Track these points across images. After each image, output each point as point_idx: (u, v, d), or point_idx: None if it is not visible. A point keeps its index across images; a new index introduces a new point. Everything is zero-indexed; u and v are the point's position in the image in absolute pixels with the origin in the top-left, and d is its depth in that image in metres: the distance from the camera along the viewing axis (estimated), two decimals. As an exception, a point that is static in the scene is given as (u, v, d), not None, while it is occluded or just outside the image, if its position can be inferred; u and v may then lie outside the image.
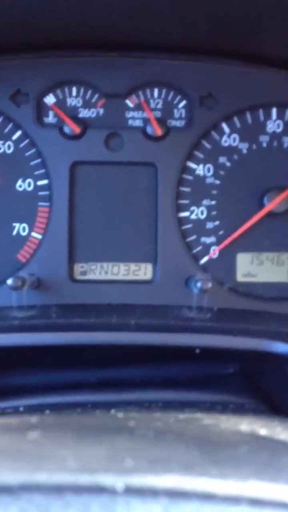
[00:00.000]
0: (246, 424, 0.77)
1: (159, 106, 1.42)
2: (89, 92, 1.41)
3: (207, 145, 1.41)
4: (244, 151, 1.41)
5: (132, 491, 0.47)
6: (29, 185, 1.39)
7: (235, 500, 0.45)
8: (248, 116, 1.42)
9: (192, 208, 1.40)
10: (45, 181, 1.38)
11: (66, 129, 1.38)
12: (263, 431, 0.73)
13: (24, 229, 1.38)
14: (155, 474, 0.49)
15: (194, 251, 1.39)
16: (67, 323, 1.19)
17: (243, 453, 0.59)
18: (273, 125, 1.42)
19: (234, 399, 1.07)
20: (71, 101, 1.41)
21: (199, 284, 1.26)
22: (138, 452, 0.57)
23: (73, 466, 0.54)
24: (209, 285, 1.25)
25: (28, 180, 1.39)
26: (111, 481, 0.49)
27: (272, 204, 1.36)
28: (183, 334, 1.14)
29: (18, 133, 1.39)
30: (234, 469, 0.51)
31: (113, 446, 0.59)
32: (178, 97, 1.42)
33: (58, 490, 0.49)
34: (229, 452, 0.59)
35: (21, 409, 1.04)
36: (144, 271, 1.39)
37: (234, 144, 1.42)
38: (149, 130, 1.39)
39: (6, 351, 1.19)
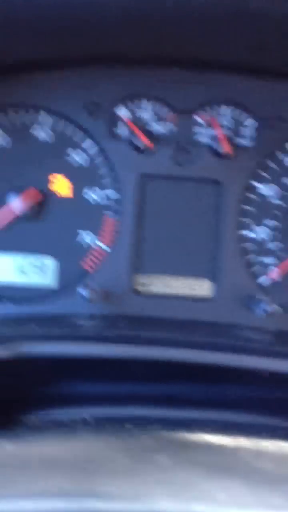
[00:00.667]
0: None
1: (228, 124, 1.44)
2: (161, 107, 1.43)
3: (273, 165, 1.43)
4: None
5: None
6: (99, 196, 1.41)
7: None
8: None
9: (254, 227, 1.43)
10: (114, 193, 1.41)
11: (137, 142, 1.40)
12: None
13: (91, 239, 1.41)
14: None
15: (254, 270, 1.42)
16: (136, 335, 1.22)
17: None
18: None
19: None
20: (142, 115, 1.42)
21: (263, 306, 1.29)
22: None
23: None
24: (274, 307, 1.28)
25: (96, 189, 1.41)
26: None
27: None
28: (247, 356, 1.17)
29: (89, 142, 1.41)
30: None
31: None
32: (247, 117, 1.43)
33: None
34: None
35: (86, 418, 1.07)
36: (202, 287, 1.42)
37: None
38: (217, 147, 1.41)
39: (68, 360, 1.22)
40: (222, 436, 0.84)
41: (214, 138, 1.42)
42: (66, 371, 1.24)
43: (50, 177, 1.41)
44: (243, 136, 1.44)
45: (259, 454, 0.77)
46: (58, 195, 1.41)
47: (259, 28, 1.19)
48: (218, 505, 0.57)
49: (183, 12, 1.14)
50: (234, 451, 0.74)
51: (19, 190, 1.38)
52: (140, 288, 1.41)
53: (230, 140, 1.42)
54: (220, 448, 0.76)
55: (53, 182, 1.41)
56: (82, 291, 1.27)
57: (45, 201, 1.40)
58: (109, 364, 1.21)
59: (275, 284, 1.41)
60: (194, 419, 1.14)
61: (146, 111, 1.43)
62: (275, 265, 1.42)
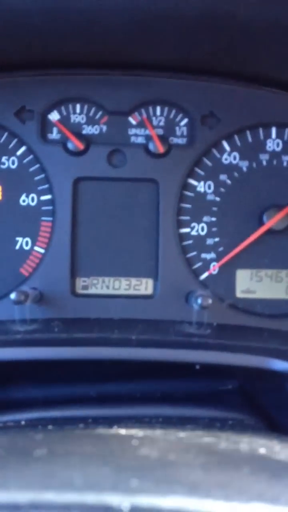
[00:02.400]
0: (245, 443, 0.78)
1: (161, 123, 1.44)
2: (93, 109, 1.43)
3: (208, 163, 1.44)
4: (244, 169, 1.44)
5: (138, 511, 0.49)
6: (32, 200, 1.41)
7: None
8: (248, 135, 1.44)
9: (193, 224, 1.43)
10: (48, 196, 1.40)
11: (70, 145, 1.40)
12: (262, 451, 0.75)
13: (27, 243, 1.40)
14: (160, 495, 0.51)
15: (194, 267, 1.41)
16: (69, 337, 1.21)
17: (245, 475, 0.60)
18: (273, 144, 1.44)
19: (232, 416, 1.08)
20: (75, 118, 1.43)
21: (199, 300, 1.28)
22: (142, 472, 0.59)
23: (80, 485, 0.55)
24: (209, 301, 1.27)
25: (32, 195, 1.41)
26: (118, 501, 0.51)
27: (271, 222, 1.39)
28: (183, 350, 1.16)
29: (23, 148, 1.41)
30: (237, 491, 0.53)
31: (119, 466, 0.61)
32: (180, 115, 1.44)
33: (66, 509, 0.50)
34: (231, 473, 0.60)
35: (22, 422, 1.05)
36: (145, 286, 1.41)
37: (235, 162, 1.44)
38: (151, 147, 1.42)
39: (8, 365, 1.20)
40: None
41: (149, 138, 1.43)
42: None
43: (-15, 186, 1.41)
44: (177, 135, 1.45)
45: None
46: (-6, 203, 1.40)
47: (188, 27, 1.21)
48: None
49: (121, 16, 1.16)
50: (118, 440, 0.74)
51: None
52: (79, 290, 1.40)
53: (164, 139, 1.43)
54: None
55: (-13, 190, 1.40)
56: (12, 295, 1.25)
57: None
58: (42, 367, 1.19)
59: (212, 277, 1.40)
60: (136, 415, 1.12)
61: (79, 115, 1.43)
62: (215, 260, 1.41)
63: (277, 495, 0.53)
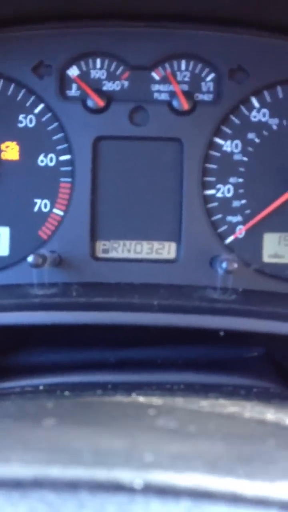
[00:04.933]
0: (271, 414, 0.74)
1: (186, 79, 1.37)
2: (114, 64, 1.36)
3: (236, 120, 1.36)
4: (274, 127, 1.36)
5: (151, 490, 0.44)
6: (51, 160, 1.36)
7: (264, 503, 0.42)
8: (279, 90, 1.36)
9: (218, 186, 1.36)
10: (67, 156, 1.35)
11: (90, 103, 1.34)
12: (289, 422, 0.70)
13: (46, 205, 1.36)
14: (177, 472, 0.47)
15: (220, 230, 1.35)
16: (88, 302, 1.17)
17: (270, 449, 0.56)
18: (306, 100, 1.36)
19: (258, 384, 1.04)
20: (95, 74, 1.36)
21: (224, 265, 1.22)
22: (158, 446, 0.55)
23: (88, 460, 0.51)
24: (235, 265, 1.22)
25: (50, 155, 1.36)
26: (129, 478, 0.46)
27: (302, 183, 1.32)
28: (207, 316, 1.12)
29: (41, 106, 1.35)
30: (261, 468, 0.49)
31: (133, 439, 0.57)
32: (206, 70, 1.37)
33: (72, 486, 0.46)
34: (255, 447, 0.56)
35: (40, 387, 1.02)
36: (167, 250, 1.36)
37: (264, 120, 1.37)
38: (175, 104, 1.35)
39: (26, 329, 1.18)
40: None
41: (173, 94, 1.35)
42: (18, 341, 1.20)
43: (2, 146, 1.36)
44: (203, 91, 1.37)
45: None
46: (11, 163, 1.35)
47: None
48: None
49: None
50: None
51: None
52: (99, 253, 1.36)
53: (189, 95, 1.36)
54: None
55: (4, 151, 1.36)
56: (30, 258, 1.22)
57: (-2, 170, 1.35)
58: (61, 332, 1.16)
59: (238, 241, 1.34)
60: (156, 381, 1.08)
61: (99, 70, 1.37)
62: (241, 224, 1.35)
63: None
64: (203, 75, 1.37)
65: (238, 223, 1.36)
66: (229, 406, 0.79)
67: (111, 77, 1.37)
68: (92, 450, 0.52)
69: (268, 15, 1.30)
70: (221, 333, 1.07)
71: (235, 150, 1.37)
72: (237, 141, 1.37)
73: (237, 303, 1.19)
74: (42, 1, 1.28)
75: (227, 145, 1.37)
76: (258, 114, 1.37)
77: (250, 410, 0.77)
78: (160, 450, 0.52)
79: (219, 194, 1.36)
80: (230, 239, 1.35)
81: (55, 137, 1.36)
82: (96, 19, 1.35)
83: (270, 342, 1.20)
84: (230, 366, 1.17)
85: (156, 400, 0.77)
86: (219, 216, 1.36)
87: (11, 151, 1.36)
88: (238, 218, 1.36)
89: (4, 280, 1.34)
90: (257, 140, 1.36)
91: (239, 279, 1.28)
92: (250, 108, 1.37)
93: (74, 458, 0.50)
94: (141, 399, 0.78)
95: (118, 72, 1.37)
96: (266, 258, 1.35)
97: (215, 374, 1.11)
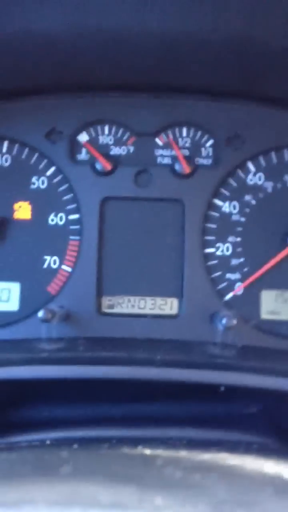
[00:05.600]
0: (271, 467, 0.79)
1: (187, 144, 1.47)
2: (120, 131, 1.47)
3: (233, 183, 1.46)
4: (269, 189, 1.45)
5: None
6: (60, 219, 1.44)
7: None
8: (273, 156, 1.46)
9: (218, 244, 1.44)
10: (76, 216, 1.43)
11: (98, 166, 1.44)
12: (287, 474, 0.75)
13: (55, 262, 1.43)
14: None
15: (219, 287, 1.42)
16: (94, 356, 1.22)
17: (270, 496, 0.61)
18: (299, 165, 1.46)
19: (257, 439, 1.08)
20: (103, 139, 1.46)
21: (224, 321, 1.29)
22: (167, 491, 0.60)
23: (105, 502, 0.57)
24: (234, 322, 1.28)
25: (60, 214, 1.44)
26: None
27: (296, 243, 1.40)
28: (208, 371, 1.17)
29: (52, 169, 1.45)
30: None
31: (143, 485, 0.62)
32: (206, 137, 1.47)
33: None
34: (255, 495, 0.61)
35: (47, 442, 1.07)
36: (170, 306, 1.42)
37: (260, 183, 1.46)
38: (177, 167, 1.44)
39: (33, 383, 1.22)
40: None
41: (175, 158, 1.45)
42: (25, 395, 1.24)
43: (15, 206, 1.44)
44: (202, 156, 1.47)
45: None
46: (23, 222, 1.43)
47: (214, 52, 1.23)
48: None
49: (150, 41, 1.19)
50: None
51: None
52: (104, 309, 1.42)
53: (190, 160, 1.45)
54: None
55: (17, 210, 1.44)
56: (40, 313, 1.28)
57: (9, 229, 1.43)
58: (67, 386, 1.21)
59: (236, 297, 1.41)
60: (160, 437, 1.13)
61: (107, 136, 1.46)
62: (240, 281, 1.42)
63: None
64: (202, 141, 1.47)
65: (236, 280, 1.43)
66: (230, 459, 0.84)
67: (118, 142, 1.47)
68: (107, 493, 0.57)
69: (262, 88, 1.41)
70: (222, 388, 1.13)
71: (233, 211, 1.45)
72: (235, 203, 1.46)
73: (236, 359, 1.25)
74: (56, 74, 1.39)
75: (226, 206, 1.46)
76: (254, 178, 1.46)
77: (250, 463, 0.82)
78: (168, 495, 0.57)
79: (218, 252, 1.44)
80: (229, 296, 1.42)
81: (65, 198, 1.45)
82: (104, 90, 1.46)
83: (268, 397, 1.25)
84: (230, 422, 1.22)
85: (162, 452, 0.82)
86: (218, 273, 1.43)
87: (24, 210, 1.44)
88: (237, 275, 1.43)
89: (14, 335, 1.39)
90: (253, 202, 1.45)
91: (238, 335, 1.34)
92: (247, 172, 1.46)
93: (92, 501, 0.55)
94: (147, 451, 0.83)
95: (124, 138, 1.47)
96: (264, 315, 1.42)
97: (216, 429, 1.16)
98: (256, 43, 1.13)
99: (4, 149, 1.45)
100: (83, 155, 1.46)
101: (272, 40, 1.14)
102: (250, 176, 1.46)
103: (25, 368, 1.19)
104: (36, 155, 1.45)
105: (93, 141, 1.46)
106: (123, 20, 1.09)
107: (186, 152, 1.46)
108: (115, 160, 1.45)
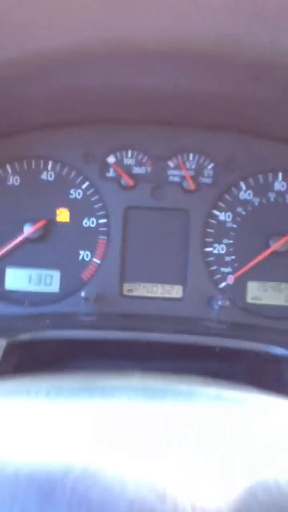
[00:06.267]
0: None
1: (193, 167, 1.84)
2: (141, 155, 1.84)
3: (228, 198, 1.84)
4: (256, 203, 1.82)
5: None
6: (92, 222, 1.83)
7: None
8: (260, 177, 1.83)
9: (215, 245, 1.82)
10: (104, 220, 1.82)
11: (123, 182, 1.82)
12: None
13: (87, 255, 1.82)
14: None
15: (215, 277, 1.81)
16: (119, 325, 1.62)
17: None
18: (279, 185, 1.83)
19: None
20: (127, 161, 1.85)
21: (219, 303, 1.69)
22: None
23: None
24: (227, 303, 1.68)
25: (92, 219, 1.82)
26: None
27: (276, 245, 1.77)
28: (206, 337, 1.56)
29: (86, 183, 1.83)
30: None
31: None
32: (207, 161, 1.85)
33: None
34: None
35: None
36: (176, 291, 1.82)
37: (249, 198, 1.83)
38: (185, 185, 1.81)
39: (74, 342, 1.60)
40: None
41: (183, 177, 1.84)
42: (70, 351, 1.63)
43: (57, 211, 1.84)
44: (205, 176, 1.85)
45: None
46: (63, 224, 1.84)
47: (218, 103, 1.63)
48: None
49: (169, 95, 1.58)
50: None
51: (33, 221, 1.81)
52: (126, 292, 1.82)
53: (195, 179, 1.83)
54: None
55: (59, 215, 1.84)
56: (82, 293, 1.68)
57: (52, 229, 1.83)
58: (102, 346, 1.60)
59: (228, 286, 1.81)
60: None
61: (130, 158, 1.86)
62: (231, 273, 1.82)
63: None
64: (205, 164, 1.84)
65: (229, 273, 1.81)
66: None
67: (138, 163, 1.85)
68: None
69: (254, 125, 1.82)
70: (217, 349, 1.52)
71: (228, 219, 1.83)
72: (229, 213, 1.83)
73: (227, 330, 1.64)
74: (93, 112, 1.79)
75: (222, 216, 1.83)
76: (245, 194, 1.84)
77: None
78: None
79: (215, 251, 1.83)
80: (223, 285, 1.81)
81: (96, 206, 1.82)
82: (128, 123, 1.86)
83: (250, 359, 1.64)
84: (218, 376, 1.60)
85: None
86: (215, 267, 1.82)
87: (63, 215, 1.83)
88: (229, 269, 1.82)
89: (55, 310, 1.79)
90: (243, 213, 1.83)
91: (229, 314, 1.74)
92: (239, 189, 1.83)
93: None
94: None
95: (144, 160, 1.84)
96: (249, 300, 1.80)
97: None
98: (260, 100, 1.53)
99: (49, 167, 1.83)
100: (111, 173, 1.85)
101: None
102: (241, 193, 1.83)
103: (68, 331, 1.58)
104: (74, 172, 1.83)
105: (119, 162, 1.84)
106: (158, 81, 1.48)
107: (192, 173, 1.81)
108: (136, 178, 1.82)
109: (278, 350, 1.48)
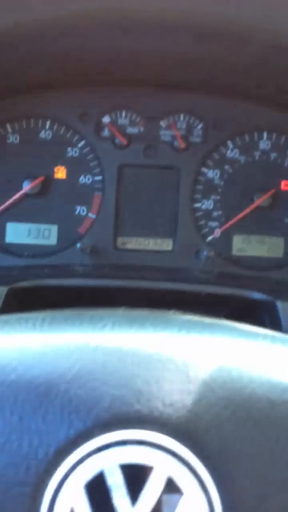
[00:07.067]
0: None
1: (183, 126, 1.93)
2: (134, 115, 1.93)
3: (216, 156, 1.94)
4: (242, 161, 1.92)
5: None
6: (88, 179, 1.93)
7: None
8: (247, 137, 1.94)
9: (203, 201, 1.94)
10: (99, 177, 1.93)
11: (117, 141, 1.92)
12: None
13: (83, 210, 1.93)
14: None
15: (203, 231, 1.93)
16: (114, 274, 1.76)
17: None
18: (264, 144, 1.93)
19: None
20: (121, 121, 1.94)
21: (206, 253, 1.82)
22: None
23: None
24: (212, 254, 1.82)
25: (88, 175, 1.92)
26: None
27: (259, 201, 1.90)
28: (193, 284, 1.70)
29: (82, 142, 1.92)
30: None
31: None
32: (197, 121, 1.94)
33: None
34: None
35: None
36: (166, 244, 1.94)
37: (235, 156, 1.93)
38: (175, 144, 1.92)
39: (70, 290, 1.73)
40: None
41: (174, 137, 1.95)
42: (68, 298, 1.77)
43: (55, 169, 1.95)
44: (194, 135, 1.94)
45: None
46: (61, 181, 1.95)
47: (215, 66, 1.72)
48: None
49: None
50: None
51: (32, 178, 1.92)
52: (119, 245, 1.95)
53: (185, 138, 1.92)
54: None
55: (57, 172, 1.95)
56: (78, 246, 1.82)
57: (50, 185, 1.94)
58: (96, 292, 1.74)
59: (215, 239, 1.95)
60: None
61: (124, 119, 1.95)
62: (218, 227, 1.95)
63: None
64: (194, 124, 1.93)
65: (215, 227, 1.93)
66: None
67: (132, 124, 1.95)
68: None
69: (242, 89, 1.91)
70: (203, 294, 1.65)
71: (215, 177, 1.93)
72: (217, 171, 1.93)
73: (213, 279, 1.79)
74: (87, 74, 1.88)
75: (210, 173, 1.93)
76: (232, 152, 1.93)
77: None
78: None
79: (203, 207, 1.94)
80: (210, 238, 1.93)
81: (91, 164, 1.93)
82: (122, 84, 1.96)
83: (233, 304, 1.79)
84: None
85: None
86: (202, 222, 1.94)
87: (61, 172, 1.94)
88: (216, 223, 1.94)
89: (53, 262, 1.92)
90: (230, 170, 1.94)
91: (215, 265, 1.87)
92: (226, 148, 1.92)
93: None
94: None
95: (137, 120, 1.93)
96: (234, 252, 1.92)
97: None
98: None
99: (47, 126, 1.91)
100: (105, 133, 1.94)
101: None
102: (229, 151, 1.92)
103: (65, 280, 1.72)
104: (71, 131, 1.91)
105: (113, 122, 1.94)
106: (152, 47, 1.56)
107: (183, 132, 1.94)
108: (129, 137, 1.92)
109: (257, 295, 1.62)
